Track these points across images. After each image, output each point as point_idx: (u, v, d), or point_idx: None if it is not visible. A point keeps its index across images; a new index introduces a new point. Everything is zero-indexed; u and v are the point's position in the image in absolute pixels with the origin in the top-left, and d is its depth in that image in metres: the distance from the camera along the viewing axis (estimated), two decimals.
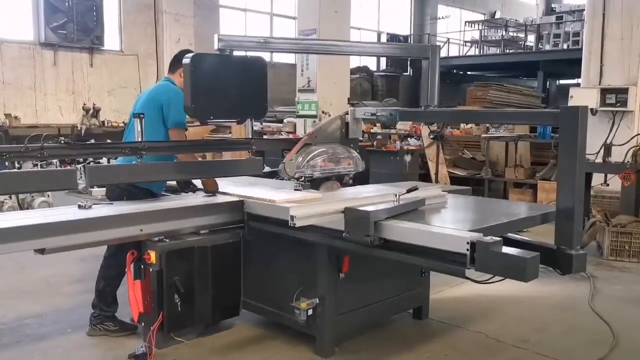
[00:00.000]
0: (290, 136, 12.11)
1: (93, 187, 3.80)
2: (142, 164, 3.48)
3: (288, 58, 17.28)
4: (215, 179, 4.06)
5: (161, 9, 16.13)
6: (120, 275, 3.88)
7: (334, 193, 4.06)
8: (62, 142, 3.14)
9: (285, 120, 13.18)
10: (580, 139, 3.10)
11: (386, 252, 3.03)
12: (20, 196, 7.94)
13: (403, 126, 11.46)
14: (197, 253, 3.75)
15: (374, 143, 10.22)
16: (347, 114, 4.38)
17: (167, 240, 3.64)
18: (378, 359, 3.68)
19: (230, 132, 12.18)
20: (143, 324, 3.74)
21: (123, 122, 15.11)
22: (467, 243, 2.68)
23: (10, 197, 8.04)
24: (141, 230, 3.53)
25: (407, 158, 9.53)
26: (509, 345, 3.86)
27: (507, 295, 4.75)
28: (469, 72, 23.34)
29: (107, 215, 3.43)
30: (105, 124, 14.92)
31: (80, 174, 3.18)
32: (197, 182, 4.17)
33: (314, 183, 4.24)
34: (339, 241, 3.19)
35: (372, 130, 11.50)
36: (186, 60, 3.25)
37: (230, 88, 3.35)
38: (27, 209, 7.62)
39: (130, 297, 3.74)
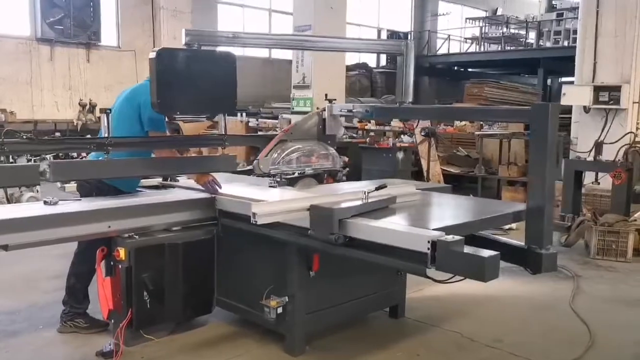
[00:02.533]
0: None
1: (58, 183, 3.76)
2: (107, 160, 3.44)
3: (286, 54, 17.22)
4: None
5: (159, 4, 16.12)
6: (91, 272, 3.85)
7: (308, 190, 4.01)
8: (24, 137, 3.10)
9: (280, 117, 13.13)
10: (551, 137, 3.05)
11: (351, 250, 2.99)
12: (9, 191, 7.94)
13: (397, 123, 11.41)
14: (168, 250, 3.71)
15: (367, 140, 10.17)
16: (324, 110, 4.34)
17: (137, 237, 3.60)
18: (349, 357, 3.64)
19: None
20: (113, 321, 3.71)
21: None
22: (428, 242, 2.64)
23: None
24: (109, 226, 3.49)
25: (400, 155, 9.48)
26: (483, 345, 3.82)
27: (487, 294, 4.71)
28: (469, 69, 23.26)
29: (73, 212, 3.40)
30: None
31: (45, 169, 3.12)
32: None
33: (293, 180, 4.22)
34: (305, 239, 3.15)
35: (366, 127, 11.46)
36: (151, 55, 3.21)
37: (198, 83, 3.30)
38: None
39: (100, 294, 3.70)
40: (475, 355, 3.70)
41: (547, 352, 3.76)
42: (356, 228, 2.95)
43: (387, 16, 22.84)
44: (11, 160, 6.05)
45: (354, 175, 10.08)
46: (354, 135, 11.43)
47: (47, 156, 4.97)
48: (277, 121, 13.01)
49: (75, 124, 14.31)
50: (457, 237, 2.62)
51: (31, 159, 7.97)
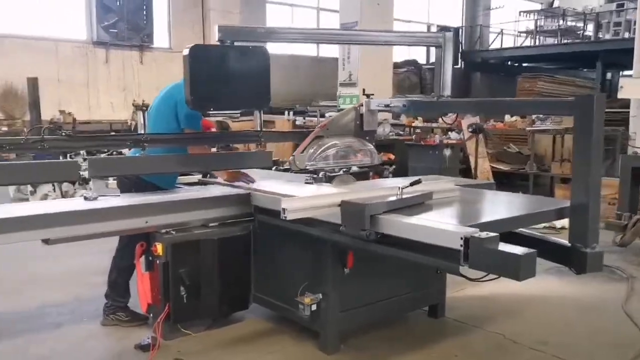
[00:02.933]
0: None
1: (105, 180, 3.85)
2: (142, 156, 3.50)
3: (334, 52, 17.20)
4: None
5: (208, 6, 16.40)
6: (132, 267, 3.92)
7: (343, 186, 3.95)
8: (63, 134, 3.18)
9: (326, 115, 13.10)
10: (596, 131, 2.89)
11: (382, 247, 2.92)
12: (64, 188, 8.25)
13: (446, 119, 11.18)
14: (204, 246, 3.74)
15: (414, 137, 10.02)
16: (362, 105, 4.27)
17: (174, 232, 3.65)
18: (384, 357, 3.57)
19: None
20: (152, 315, 3.77)
21: None
22: (461, 238, 2.54)
23: (55, 190, 8.37)
24: (146, 222, 3.55)
25: (447, 152, 9.29)
26: (526, 347, 3.67)
27: (532, 294, 4.54)
28: (523, 64, 22.59)
29: (111, 207, 3.46)
30: None
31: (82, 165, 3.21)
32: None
33: (330, 177, 4.18)
34: (337, 235, 3.10)
35: (413, 124, 11.31)
36: (185, 52, 3.24)
37: (231, 79, 3.30)
38: None
39: (139, 289, 3.78)
40: (517, 358, 3.56)
41: (594, 356, 3.59)
42: (388, 224, 2.87)
43: (438, 11, 22.46)
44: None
45: (400, 172, 9.98)
46: (401, 132, 11.29)
47: (82, 152, 5.08)
48: (323, 119, 12.99)
49: (129, 123, 14.74)
50: (491, 234, 2.51)
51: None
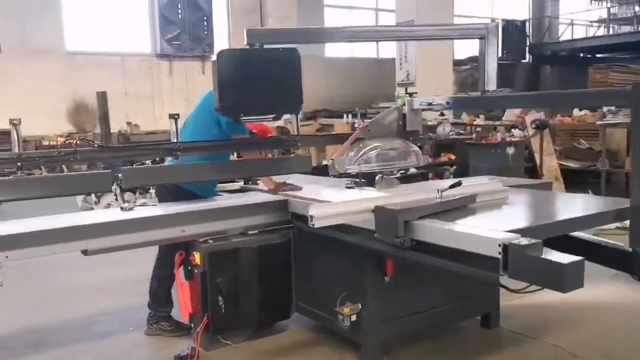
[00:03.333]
0: None
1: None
2: (176, 165, 3.47)
3: (393, 52, 16.95)
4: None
5: (267, 12, 16.54)
6: (172, 276, 3.90)
7: (386, 190, 3.78)
8: (96, 145, 3.19)
9: None
10: None
11: (418, 254, 2.74)
12: (125, 197, 8.48)
13: (509, 116, 10.73)
14: (242, 254, 3.67)
15: (474, 136, 9.64)
16: (405, 105, 4.08)
17: (211, 241, 3.60)
18: None
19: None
20: (193, 325, 3.73)
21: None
22: (499, 245, 2.33)
23: (117, 199, 8.62)
24: (183, 231, 3.51)
25: (510, 150, 8.86)
26: None
27: (598, 302, 4.18)
28: (596, 55, 21.42)
29: (147, 217, 3.46)
30: None
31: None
32: None
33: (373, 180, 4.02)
34: (372, 242, 2.94)
35: (474, 122, 10.92)
36: (214, 57, 3.17)
37: (262, 83, 3.21)
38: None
39: (180, 298, 3.76)
40: None
41: None
42: (423, 230, 2.69)
43: (502, 4, 21.67)
44: None
45: (461, 173, 9.63)
46: (462, 131, 10.91)
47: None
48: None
49: None
50: (533, 240, 2.28)
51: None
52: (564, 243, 2.46)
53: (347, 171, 3.90)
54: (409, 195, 3.15)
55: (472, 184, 3.38)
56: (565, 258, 2.17)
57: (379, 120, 4.10)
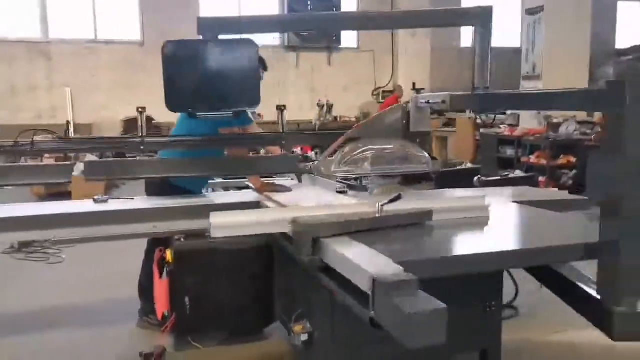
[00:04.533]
0: (507, 131, 10.88)
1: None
2: (139, 159, 3.42)
3: (513, 42, 15.58)
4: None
5: (397, 5, 16.07)
6: None
7: (368, 197, 3.38)
8: (56, 137, 3.24)
9: (509, 112, 11.84)
10: (631, 129, 1.95)
11: (324, 278, 2.36)
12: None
13: None
14: (216, 255, 3.51)
15: (593, 137, 8.44)
16: (409, 102, 3.61)
17: (183, 239, 3.50)
18: None
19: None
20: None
21: (355, 117, 15.59)
22: (370, 279, 1.90)
23: None
24: (154, 227, 3.46)
25: None
26: None
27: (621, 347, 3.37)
28: None
29: (118, 210, 3.45)
30: (338, 119, 15.56)
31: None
32: None
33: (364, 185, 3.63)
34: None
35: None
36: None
37: (213, 77, 3.02)
38: None
39: (156, 295, 3.71)
40: None
41: None
42: (327, 251, 2.32)
43: None
44: None
45: (583, 178, 8.48)
46: (587, 131, 9.62)
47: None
48: (504, 117, 11.79)
49: (313, 123, 15.23)
50: (403, 276, 1.83)
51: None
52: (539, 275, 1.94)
53: (334, 174, 3.55)
54: (350, 207, 2.75)
55: (446, 197, 2.88)
56: (421, 305, 1.70)
57: (379, 119, 3.69)
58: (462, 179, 4.23)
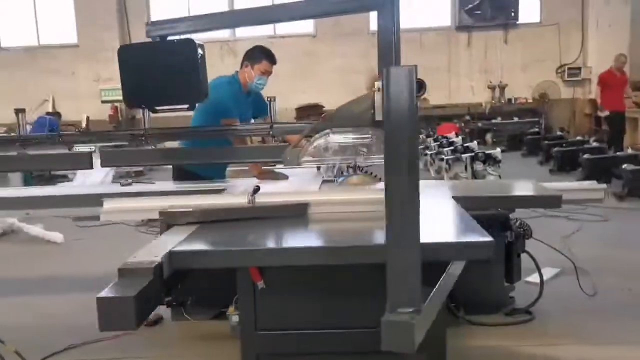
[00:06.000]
0: None
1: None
2: (145, 149, 3.86)
3: None
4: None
5: None
6: None
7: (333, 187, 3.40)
8: (77, 131, 3.86)
9: None
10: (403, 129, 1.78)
11: None
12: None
13: None
14: None
15: None
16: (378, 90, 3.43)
17: None
18: None
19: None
20: None
21: (532, 98, 14.41)
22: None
23: None
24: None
25: None
26: None
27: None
28: None
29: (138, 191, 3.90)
30: (513, 101, 14.54)
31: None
32: None
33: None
34: None
35: None
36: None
37: (161, 75, 3.30)
38: None
39: None
40: None
41: None
42: None
43: None
44: None
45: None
46: None
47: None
48: None
49: (483, 106, 14.48)
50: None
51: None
52: None
53: (302, 163, 3.59)
54: (236, 198, 2.82)
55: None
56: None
57: (347, 109, 3.57)
58: None
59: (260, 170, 3.95)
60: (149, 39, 3.31)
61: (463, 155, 8.38)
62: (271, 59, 4.31)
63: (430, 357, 3.01)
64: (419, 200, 1.85)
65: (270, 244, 2.41)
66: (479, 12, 14.72)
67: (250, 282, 2.97)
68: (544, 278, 4.35)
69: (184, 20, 3.29)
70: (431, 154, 9.49)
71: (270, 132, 3.74)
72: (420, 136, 12.22)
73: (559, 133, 12.45)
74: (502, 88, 14.39)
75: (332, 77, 14.76)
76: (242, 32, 15.36)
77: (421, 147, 10.87)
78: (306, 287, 2.95)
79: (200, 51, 3.28)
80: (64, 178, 10.19)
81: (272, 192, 2.92)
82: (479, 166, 8.31)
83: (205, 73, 3.32)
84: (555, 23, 14.56)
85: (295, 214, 2.63)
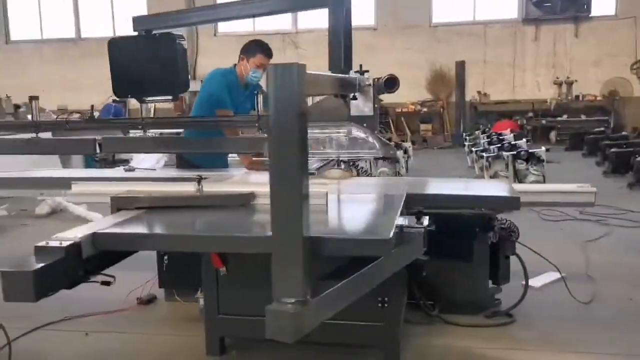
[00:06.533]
0: None
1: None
2: (141, 137, 4.06)
3: None
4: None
5: None
6: None
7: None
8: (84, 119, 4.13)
9: None
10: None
11: None
12: None
13: None
14: None
15: None
16: None
17: None
18: None
19: None
20: None
21: (602, 96, 13.67)
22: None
23: None
24: None
25: None
26: None
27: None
28: None
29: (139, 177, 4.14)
30: (581, 98, 13.84)
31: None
32: None
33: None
34: None
35: None
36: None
37: (145, 68, 3.49)
38: None
39: None
40: None
41: None
42: None
43: None
44: None
45: None
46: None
47: None
48: None
49: (548, 103, 13.88)
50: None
51: None
52: None
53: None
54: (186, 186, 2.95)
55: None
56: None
57: (323, 104, 3.61)
58: None
59: (251, 160, 4.06)
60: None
61: (505, 153, 8.12)
62: (267, 52, 4.39)
63: (385, 353, 3.05)
64: (307, 195, 1.89)
65: (179, 231, 2.50)
66: (548, 4, 14.09)
67: (213, 268, 3.12)
68: (544, 283, 4.23)
69: (168, 14, 3.44)
70: (476, 151, 9.25)
71: (257, 125, 3.83)
72: (476, 132, 11.91)
73: (624, 133, 11.71)
74: (570, 84, 13.72)
75: (389, 70, 14.62)
76: (304, 24, 15.54)
77: (472, 143, 10.62)
78: (267, 273, 3.03)
79: (182, 44, 3.41)
80: (125, 162, 10.86)
81: (226, 182, 3.02)
82: (521, 165, 8.04)
83: (186, 65, 3.46)
84: (632, 16, 13.69)
85: (239, 203, 2.71)
